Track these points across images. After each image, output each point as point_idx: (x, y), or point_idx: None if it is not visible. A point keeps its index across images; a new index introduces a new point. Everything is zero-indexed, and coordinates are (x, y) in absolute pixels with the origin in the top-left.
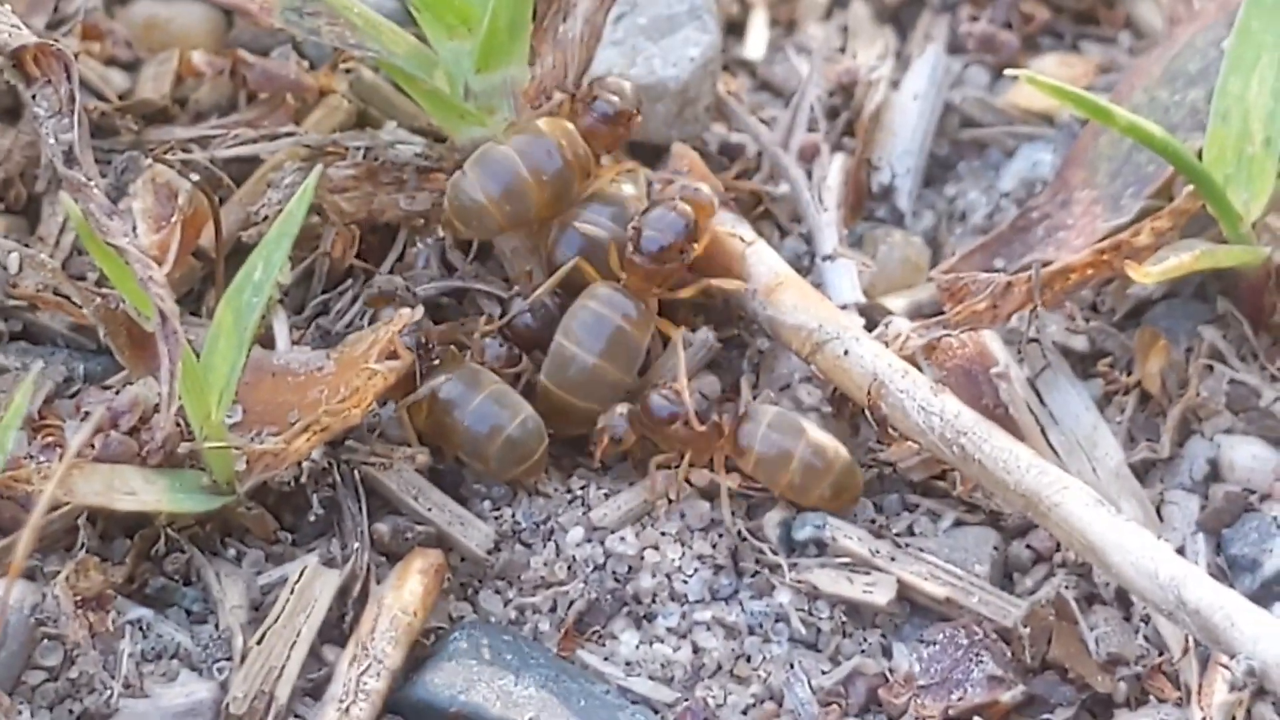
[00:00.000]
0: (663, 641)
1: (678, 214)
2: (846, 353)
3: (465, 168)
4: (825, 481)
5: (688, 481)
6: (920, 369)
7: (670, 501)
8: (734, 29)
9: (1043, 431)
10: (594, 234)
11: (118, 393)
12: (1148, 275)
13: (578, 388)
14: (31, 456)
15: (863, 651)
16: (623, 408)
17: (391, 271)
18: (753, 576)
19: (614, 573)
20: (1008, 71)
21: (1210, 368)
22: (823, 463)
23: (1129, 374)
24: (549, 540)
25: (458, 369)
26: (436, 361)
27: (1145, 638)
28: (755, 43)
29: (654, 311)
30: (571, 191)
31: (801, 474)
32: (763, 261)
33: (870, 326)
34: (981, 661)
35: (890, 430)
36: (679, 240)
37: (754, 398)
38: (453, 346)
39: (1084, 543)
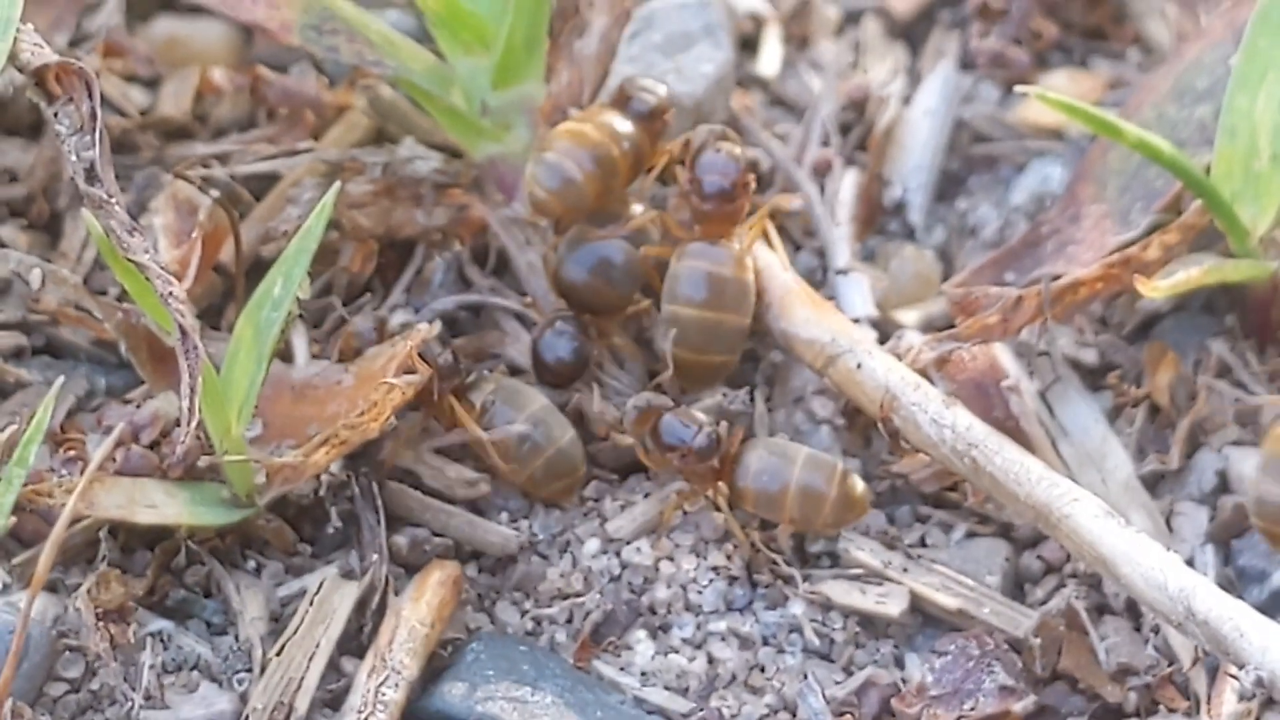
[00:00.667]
0: (678, 652)
1: (726, 155)
2: (859, 366)
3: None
4: (825, 508)
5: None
6: (932, 382)
7: (685, 513)
8: (747, 46)
9: (1053, 444)
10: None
11: (139, 407)
12: (1156, 290)
13: (702, 345)
14: (54, 470)
15: (875, 662)
16: (642, 399)
17: (409, 288)
18: (767, 588)
19: (629, 584)
20: (1017, 88)
21: (1218, 380)
22: (818, 492)
23: (1138, 387)
24: (565, 551)
25: (499, 385)
26: (470, 377)
27: (1155, 648)
28: (768, 59)
29: (746, 250)
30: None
31: (800, 507)
32: (776, 276)
33: (883, 340)
34: (993, 672)
35: (902, 443)
36: (738, 177)
37: (768, 411)
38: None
39: (1094, 554)
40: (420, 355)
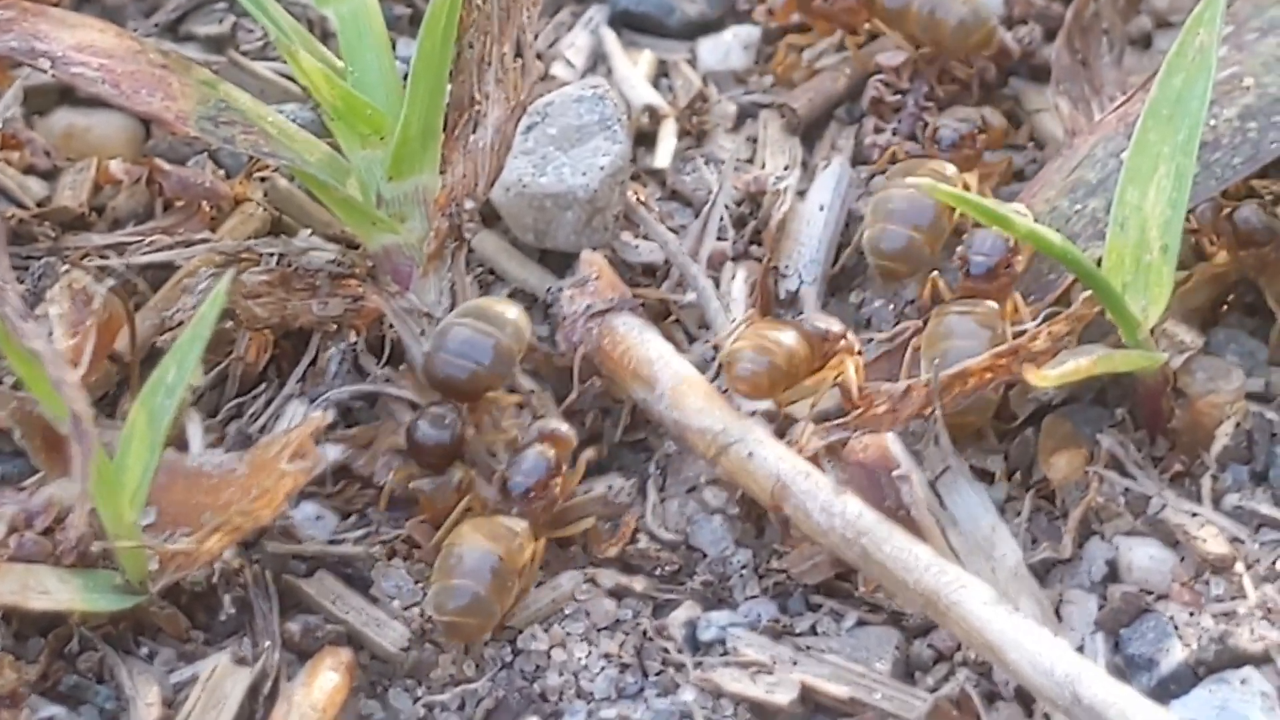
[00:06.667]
0: None
1: (538, 456)
2: (751, 455)
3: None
4: None
5: (594, 583)
6: (825, 471)
7: (577, 601)
8: (645, 140)
9: (944, 532)
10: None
11: (32, 494)
12: (1045, 379)
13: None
14: None
15: None
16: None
17: (304, 377)
18: (658, 675)
19: (522, 670)
20: (907, 180)
21: (1109, 471)
22: None
23: (1030, 476)
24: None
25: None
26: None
27: None
28: (665, 153)
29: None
30: None
31: None
32: (669, 366)
33: (777, 431)
34: None
35: (793, 531)
36: (545, 477)
37: (661, 500)
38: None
39: (982, 640)
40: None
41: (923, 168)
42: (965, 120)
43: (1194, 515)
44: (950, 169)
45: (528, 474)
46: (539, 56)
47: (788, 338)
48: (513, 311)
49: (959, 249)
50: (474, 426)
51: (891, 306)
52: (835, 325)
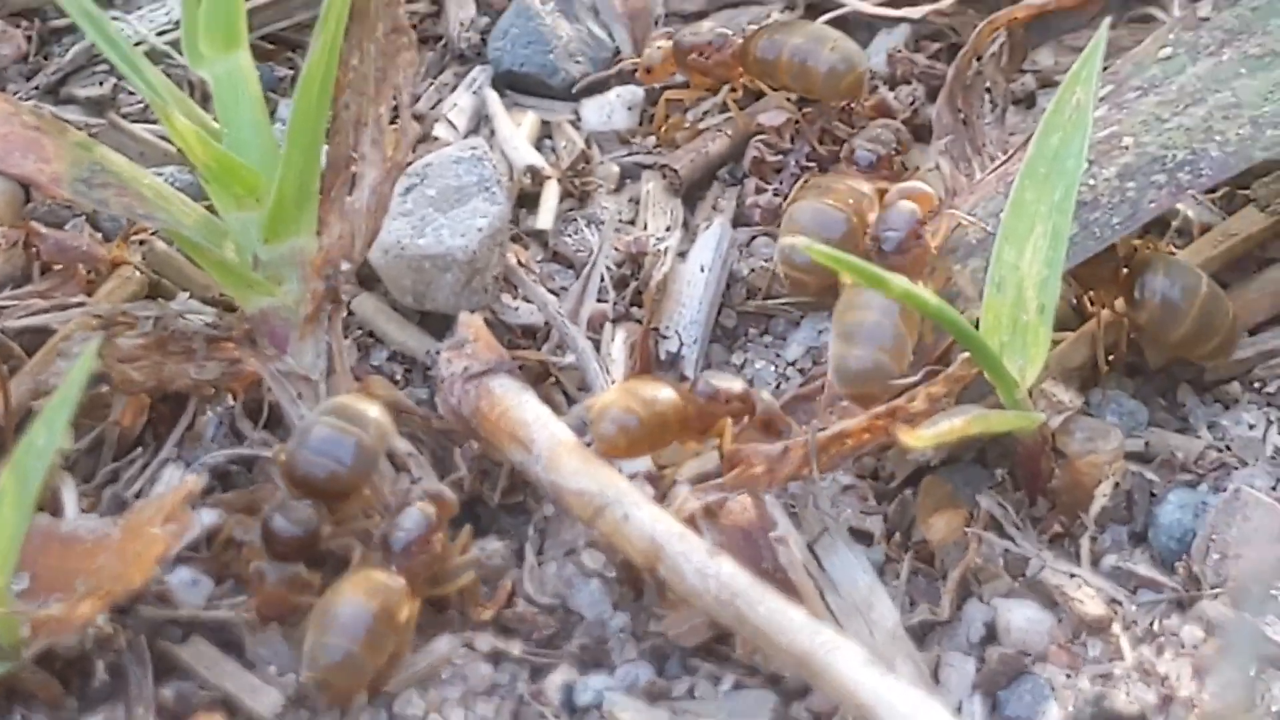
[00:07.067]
0: None
1: (420, 513)
2: (626, 517)
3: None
4: None
5: (470, 646)
6: (701, 533)
7: (454, 665)
8: (527, 201)
9: (821, 594)
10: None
11: None
12: (919, 440)
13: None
14: None
15: None
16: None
17: (181, 441)
18: None
19: None
20: (785, 242)
21: (988, 532)
22: None
23: (909, 538)
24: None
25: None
26: None
27: None
28: (547, 214)
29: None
30: None
31: None
32: (546, 429)
33: (657, 493)
34: None
35: (670, 594)
36: (426, 533)
37: (539, 563)
38: None
39: (857, 702)
40: None
41: (840, 184)
42: (880, 140)
43: (1072, 576)
44: (866, 186)
45: (409, 530)
46: (418, 119)
47: (662, 396)
48: (374, 410)
49: (869, 232)
50: (336, 523)
51: (774, 367)
52: (731, 385)
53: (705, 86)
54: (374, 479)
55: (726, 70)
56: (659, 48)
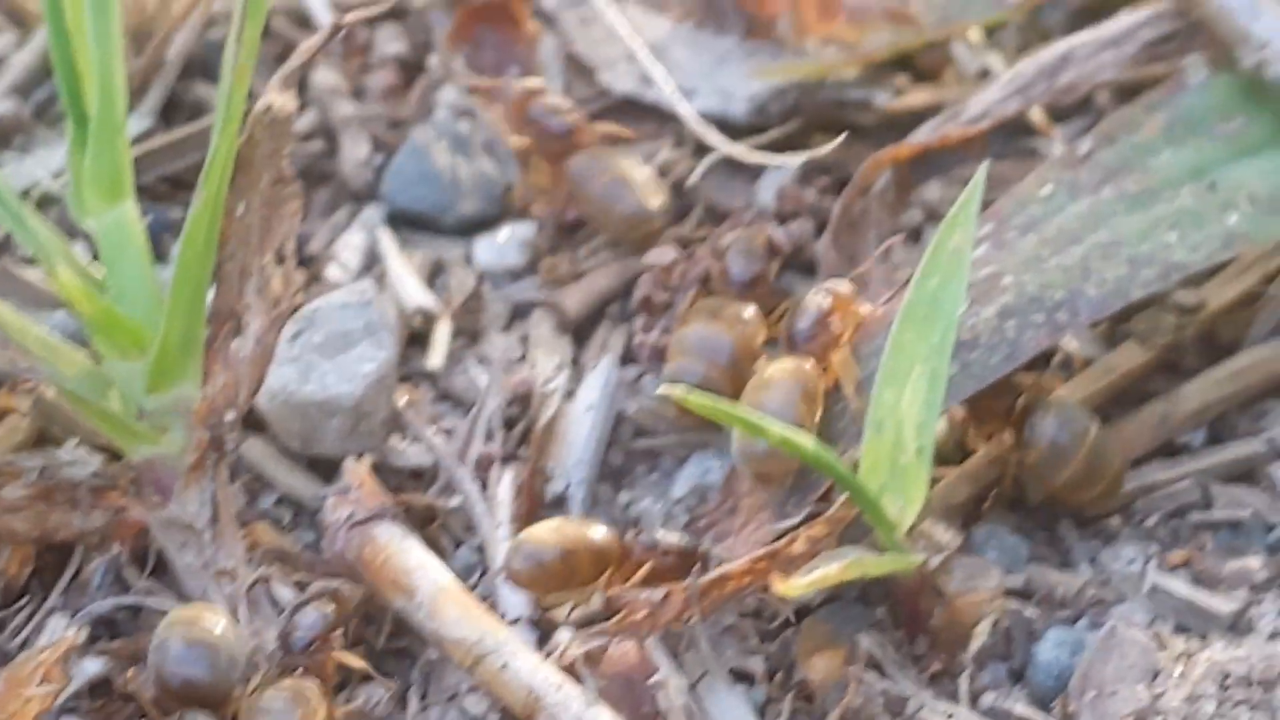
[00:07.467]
0: None
1: (317, 611)
2: (505, 666)
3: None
4: None
5: None
6: (581, 680)
7: None
8: (419, 340)
9: None
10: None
11: None
12: (793, 589)
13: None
14: None
15: None
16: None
17: (67, 590)
18: None
19: None
20: (662, 388)
21: (868, 672)
22: None
23: (790, 677)
24: None
25: None
26: None
27: None
28: (437, 354)
29: None
30: None
31: None
32: (428, 576)
33: (543, 640)
34: None
35: None
36: (326, 630)
37: (423, 709)
38: None
39: None
40: None
41: (725, 310)
42: (754, 253)
43: (949, 716)
44: (749, 310)
45: (309, 628)
46: (310, 260)
47: (592, 536)
48: (221, 624)
49: (783, 325)
50: None
51: (660, 505)
52: (676, 540)
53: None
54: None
55: (551, 157)
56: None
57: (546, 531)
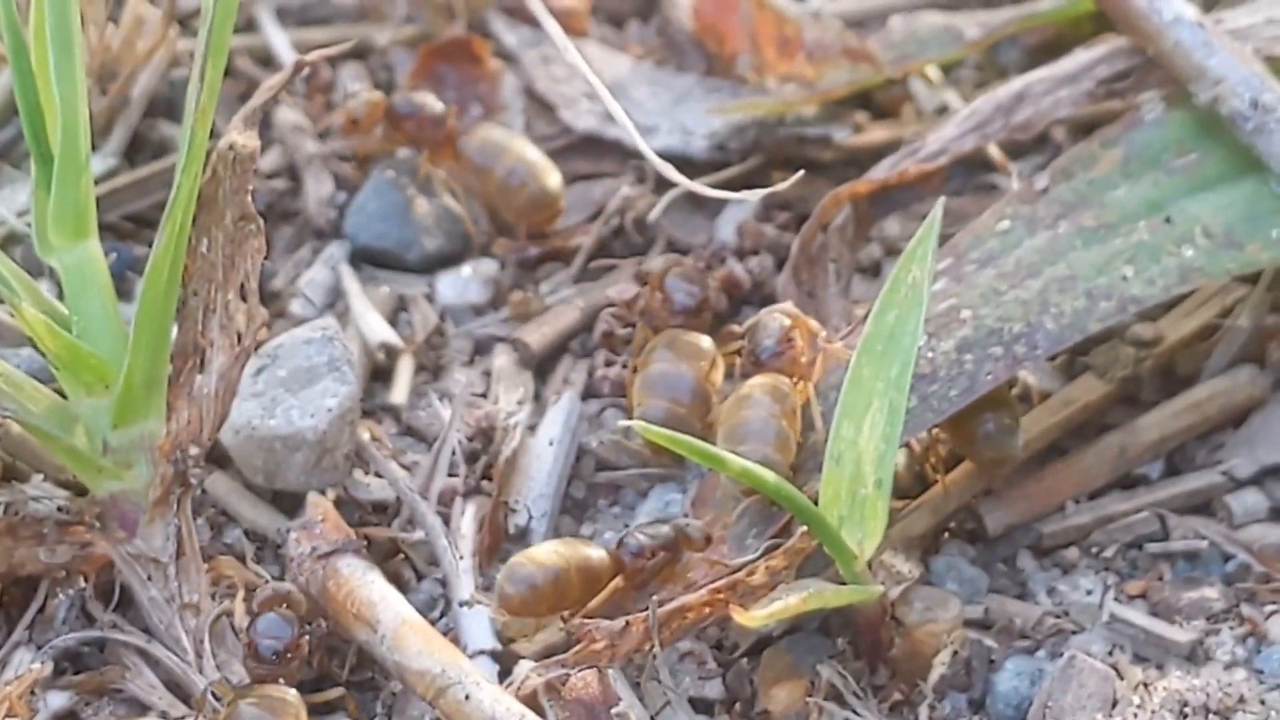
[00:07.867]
0: None
1: (278, 617)
2: (468, 697)
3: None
4: None
5: None
6: (542, 712)
7: None
8: (382, 375)
9: None
10: None
11: None
12: (753, 620)
13: None
14: None
15: None
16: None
17: (32, 624)
18: None
19: None
20: (620, 423)
21: (828, 702)
22: None
23: (752, 707)
24: None
25: None
26: None
27: None
28: (401, 389)
29: None
30: None
31: None
32: (391, 608)
33: (505, 671)
34: None
35: None
36: (294, 636)
37: None
38: None
39: None
40: None
41: (681, 339)
42: (691, 278)
43: None
44: (705, 341)
45: (276, 635)
46: (265, 300)
47: (590, 556)
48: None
49: (745, 346)
50: None
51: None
52: (658, 538)
53: (401, 145)
54: None
55: (436, 147)
56: (367, 101)
57: (544, 554)
